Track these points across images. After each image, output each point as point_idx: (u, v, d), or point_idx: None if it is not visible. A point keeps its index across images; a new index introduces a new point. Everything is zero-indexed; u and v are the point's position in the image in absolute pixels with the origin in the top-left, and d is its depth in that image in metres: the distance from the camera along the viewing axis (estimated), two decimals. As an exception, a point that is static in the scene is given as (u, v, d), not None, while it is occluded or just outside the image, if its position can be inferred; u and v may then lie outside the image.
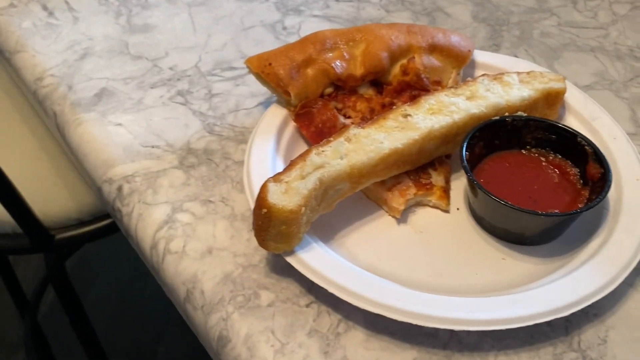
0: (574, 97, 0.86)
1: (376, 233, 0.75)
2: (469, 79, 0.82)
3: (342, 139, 0.72)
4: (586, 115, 0.84)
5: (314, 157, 0.68)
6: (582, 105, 0.85)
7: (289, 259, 0.67)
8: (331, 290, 0.63)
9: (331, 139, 0.72)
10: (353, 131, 0.73)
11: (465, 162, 0.72)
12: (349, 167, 0.69)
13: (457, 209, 0.78)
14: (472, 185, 0.71)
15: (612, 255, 0.66)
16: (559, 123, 0.76)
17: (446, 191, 0.77)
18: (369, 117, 0.84)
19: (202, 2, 1.18)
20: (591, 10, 1.13)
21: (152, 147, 0.87)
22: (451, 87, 0.80)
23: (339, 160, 0.69)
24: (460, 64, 0.89)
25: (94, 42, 1.08)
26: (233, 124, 0.91)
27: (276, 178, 0.66)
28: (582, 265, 0.66)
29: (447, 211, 0.77)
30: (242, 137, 0.88)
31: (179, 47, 1.07)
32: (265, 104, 0.92)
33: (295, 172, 0.66)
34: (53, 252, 1.56)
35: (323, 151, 0.70)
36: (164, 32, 1.11)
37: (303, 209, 0.63)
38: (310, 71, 0.84)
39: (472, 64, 0.93)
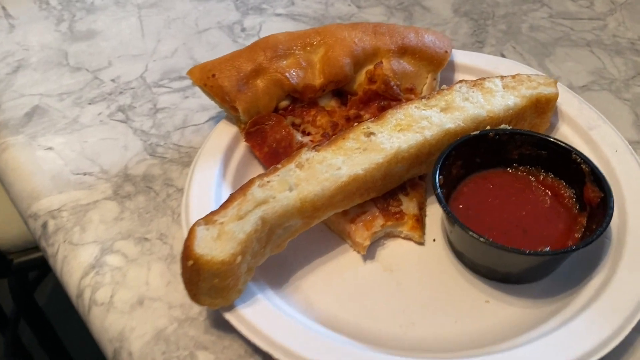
0: (568, 102, 0.75)
1: (339, 273, 0.63)
2: (444, 86, 0.70)
3: (292, 164, 0.61)
4: (582, 124, 0.72)
5: (256, 191, 0.57)
6: (578, 111, 0.74)
7: (228, 316, 0.55)
8: (277, 355, 0.52)
9: (279, 165, 0.61)
10: (306, 155, 0.61)
11: (438, 189, 0.60)
12: (299, 200, 0.57)
13: (434, 240, 0.66)
14: (448, 216, 0.59)
15: (616, 299, 0.55)
16: (550, 137, 0.65)
17: (419, 220, 0.66)
18: (332, 134, 0.72)
19: (153, 3, 1.06)
20: (586, -2, 1.02)
21: (84, 174, 0.76)
22: (423, 97, 0.68)
23: (287, 192, 0.58)
24: (436, 67, 0.77)
25: (30, 53, 0.96)
26: (179, 143, 0.80)
27: (208, 219, 0.54)
28: (580, 312, 0.55)
29: (421, 243, 0.66)
30: (188, 158, 0.77)
31: (124, 55, 0.95)
32: (217, 119, 0.80)
33: (231, 211, 0.55)
34: (14, 276, 1.46)
35: (268, 181, 0.58)
36: (109, 38, 0.99)
37: (239, 257, 0.52)
38: (260, 82, 0.72)
39: (451, 66, 0.81)
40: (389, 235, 0.67)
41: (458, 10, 1.00)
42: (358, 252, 0.65)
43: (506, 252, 0.56)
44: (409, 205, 0.66)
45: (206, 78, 0.72)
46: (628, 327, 0.53)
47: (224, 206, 0.56)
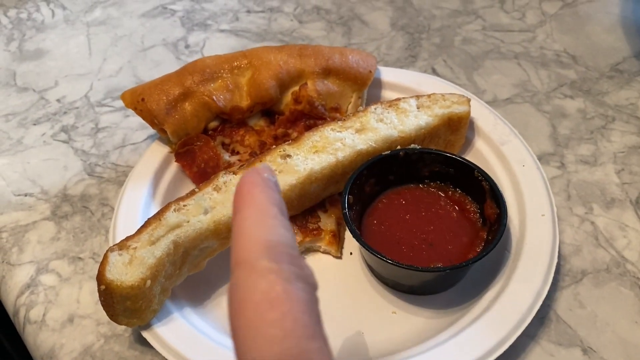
0: (484, 118, 0.79)
1: (258, 288, 0.67)
2: (360, 108, 0.74)
3: (209, 188, 0.64)
4: (495, 139, 0.76)
5: (170, 215, 0.60)
6: (492, 127, 0.77)
7: (145, 334, 0.59)
8: (187, 370, 0.56)
9: (196, 189, 0.64)
10: (223, 178, 0.65)
11: (345, 209, 0.64)
12: (213, 223, 0.61)
13: (350, 253, 0.70)
14: (353, 235, 0.63)
15: (506, 309, 0.59)
16: (455, 155, 0.69)
17: (336, 236, 0.70)
18: (259, 152, 0.76)
19: (102, 21, 1.09)
20: (519, 10, 1.05)
21: (25, 195, 0.79)
22: (339, 120, 0.72)
23: (201, 216, 0.61)
24: (360, 86, 0.80)
25: (-22, 74, 1.00)
26: (116, 162, 0.83)
27: (122, 244, 0.58)
28: (473, 322, 0.59)
29: (338, 257, 0.70)
30: (124, 177, 0.80)
31: (70, 74, 0.98)
32: (154, 137, 0.83)
33: (144, 236, 0.58)
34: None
35: (184, 205, 0.62)
36: (57, 57, 1.02)
37: (149, 282, 0.56)
38: (188, 105, 0.75)
39: (378, 84, 0.85)
40: (309, 250, 0.71)
41: (395, 24, 1.04)
42: (278, 267, 0.69)
43: (402, 268, 0.60)
44: (326, 222, 0.70)
45: (136, 102, 0.76)
46: (514, 335, 0.57)
47: (139, 231, 0.60)
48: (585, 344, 0.61)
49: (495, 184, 0.65)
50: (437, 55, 0.97)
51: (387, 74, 0.86)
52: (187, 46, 1.02)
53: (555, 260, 0.63)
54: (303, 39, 1.02)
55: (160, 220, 0.60)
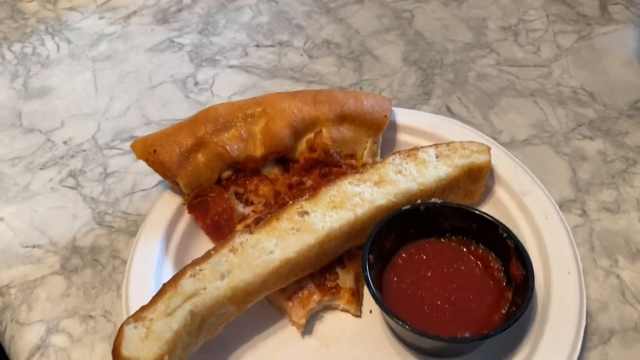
0: (504, 164, 0.77)
1: (277, 350, 0.65)
2: (377, 159, 0.72)
3: (225, 250, 0.62)
4: (516, 189, 0.74)
5: (187, 282, 0.58)
6: (513, 175, 0.76)
7: (163, 407, 0.57)
8: None
9: (212, 251, 0.62)
10: (239, 239, 0.63)
11: (367, 271, 0.62)
12: (230, 289, 0.59)
13: (370, 311, 0.68)
14: (376, 301, 0.61)
15: (536, 379, 0.57)
16: (478, 210, 0.67)
17: (354, 294, 0.67)
18: (274, 202, 0.74)
19: (108, 55, 1.08)
20: (533, 43, 1.03)
21: (33, 247, 0.77)
22: (356, 173, 0.70)
23: (218, 282, 0.59)
24: (375, 131, 0.79)
25: (-16, 113, 0.98)
26: (127, 211, 0.81)
27: (138, 316, 0.56)
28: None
29: (358, 316, 0.68)
30: (135, 227, 0.78)
31: (77, 114, 0.96)
32: (165, 183, 0.81)
33: (160, 306, 0.57)
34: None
35: (200, 270, 0.60)
36: (63, 95, 1.00)
37: (166, 357, 0.54)
38: (201, 156, 0.74)
39: (393, 126, 0.83)
40: (328, 308, 0.69)
41: (407, 58, 1.02)
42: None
43: (425, 337, 0.58)
44: (345, 278, 0.68)
45: (148, 153, 0.74)
46: (545, 409, 0.56)
47: (154, 300, 0.58)
48: (617, 411, 0.59)
49: (520, 243, 0.63)
50: (452, 93, 0.95)
51: (402, 116, 0.84)
52: (196, 83, 1.00)
53: (584, 323, 0.61)
54: (314, 75, 1.00)
55: (176, 287, 0.58)
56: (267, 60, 1.04)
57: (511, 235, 0.64)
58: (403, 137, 0.83)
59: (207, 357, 0.63)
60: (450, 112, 0.92)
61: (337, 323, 0.68)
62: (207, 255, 0.62)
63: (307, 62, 1.03)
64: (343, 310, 0.68)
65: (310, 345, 0.66)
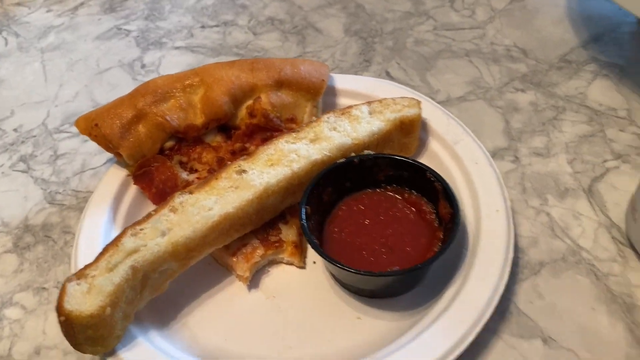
0: (437, 118, 0.80)
1: (224, 305, 0.68)
2: (313, 117, 0.75)
3: (166, 209, 0.65)
4: (448, 139, 0.77)
5: (127, 241, 0.61)
6: (445, 127, 0.79)
7: (110, 361, 0.60)
8: (153, 393, 0.56)
9: (153, 212, 0.65)
10: (179, 198, 0.66)
11: (303, 220, 0.65)
12: (171, 245, 0.61)
13: (314, 262, 0.71)
14: (312, 246, 0.64)
15: (465, 307, 0.60)
16: (407, 158, 0.70)
17: (298, 246, 0.70)
18: (217, 169, 0.76)
19: (56, 46, 1.09)
20: (469, 7, 1.07)
21: (-14, 229, 0.79)
22: (293, 132, 0.72)
23: (159, 239, 0.61)
24: (314, 96, 0.81)
25: None
26: (77, 188, 0.83)
27: (81, 274, 0.58)
28: (433, 322, 0.60)
29: (302, 267, 0.71)
30: (85, 204, 0.80)
31: (27, 102, 0.98)
32: (113, 160, 0.83)
33: (102, 264, 0.59)
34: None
35: (141, 230, 0.62)
36: (13, 86, 1.01)
37: (108, 309, 0.56)
38: (142, 127, 0.76)
39: (333, 92, 0.86)
40: (273, 262, 0.71)
41: (349, 30, 1.05)
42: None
43: (360, 275, 0.61)
44: (288, 233, 0.71)
45: (90, 128, 0.76)
46: (473, 332, 0.58)
47: (97, 259, 0.60)
48: (546, 334, 0.62)
49: (447, 184, 0.67)
50: (391, 59, 0.98)
51: (342, 81, 0.87)
52: (143, 66, 1.02)
53: (511, 254, 0.64)
54: (258, 51, 1.02)
55: (117, 246, 0.61)
56: (212, 39, 1.06)
57: (439, 178, 0.67)
58: (343, 101, 0.86)
59: (157, 313, 0.66)
60: (389, 77, 0.95)
61: (282, 275, 0.70)
62: (148, 216, 0.64)
63: (251, 39, 1.05)
64: (288, 263, 0.71)
65: (257, 298, 0.68)
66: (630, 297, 0.65)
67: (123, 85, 0.98)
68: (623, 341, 0.61)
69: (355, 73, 0.96)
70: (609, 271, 0.67)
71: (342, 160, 0.70)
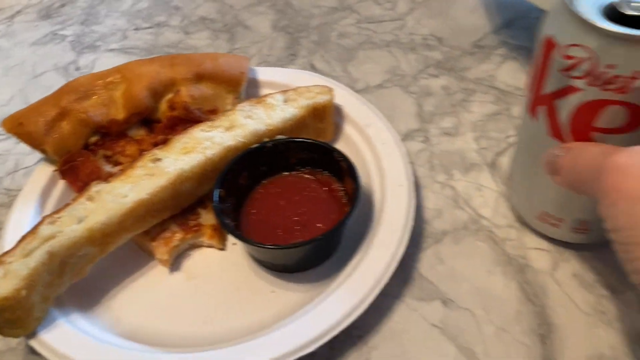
0: (350, 104, 0.85)
1: (146, 288, 0.71)
2: (228, 107, 0.79)
3: (83, 198, 0.68)
4: (360, 122, 0.82)
5: (44, 228, 0.64)
6: (357, 112, 0.83)
7: (32, 343, 0.62)
8: (75, 371, 0.60)
9: (71, 201, 0.68)
10: (96, 188, 0.69)
11: (215, 202, 0.69)
12: (87, 230, 0.65)
13: (233, 244, 0.75)
14: (222, 225, 0.68)
15: (366, 273, 0.65)
16: (316, 141, 0.74)
17: (217, 229, 0.74)
18: (141, 161, 0.80)
19: (-8, 52, 1.11)
20: (391, 0, 1.12)
21: None
22: (208, 121, 0.76)
23: (75, 225, 0.65)
24: (235, 87, 0.85)
25: None
26: (9, 187, 0.86)
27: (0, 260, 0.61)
28: (338, 287, 0.65)
29: (222, 249, 0.75)
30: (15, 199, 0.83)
31: (-39, 108, 1.00)
32: (46, 159, 0.86)
33: (18, 251, 0.62)
34: None
35: (58, 218, 0.66)
36: (-53, 93, 1.03)
37: (23, 291, 0.59)
38: (66, 124, 0.79)
39: (256, 84, 0.90)
40: (194, 246, 0.75)
41: (276, 25, 1.09)
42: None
43: (266, 249, 0.65)
44: (206, 217, 0.75)
45: (16, 126, 0.79)
46: (371, 295, 0.63)
47: (14, 246, 0.63)
48: (445, 296, 0.67)
49: (351, 163, 0.71)
50: (315, 52, 1.03)
51: (265, 74, 0.91)
52: (77, 68, 1.05)
53: (411, 223, 0.69)
54: (189, 49, 1.06)
55: (34, 233, 0.64)
56: (145, 40, 1.10)
57: (344, 157, 0.72)
58: (265, 92, 0.89)
59: (80, 297, 0.69)
60: (314, 69, 0.99)
61: (203, 258, 0.74)
62: (65, 205, 0.67)
63: (183, 38, 1.09)
64: (209, 246, 0.75)
65: (178, 280, 0.72)
66: (524, 259, 0.70)
67: (57, 87, 1.01)
68: (515, 299, 0.66)
69: (282, 66, 1.00)
70: (506, 236, 0.72)
71: (255, 145, 0.75)
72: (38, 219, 0.75)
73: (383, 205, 0.72)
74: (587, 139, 0.55)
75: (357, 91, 0.93)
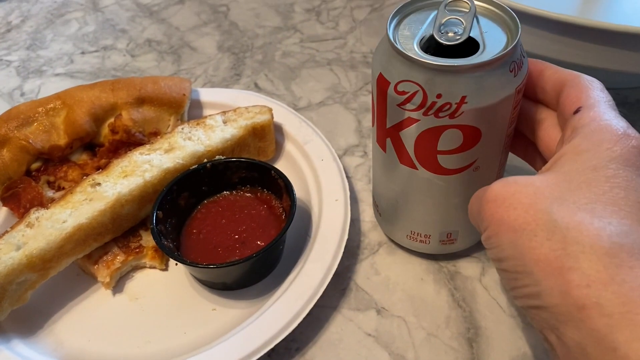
0: (290, 122, 0.87)
1: (90, 310, 0.72)
2: (167, 130, 0.81)
3: (22, 225, 0.69)
4: (300, 140, 0.85)
5: (-19, 257, 0.64)
6: (298, 130, 0.86)
7: (-30, 371, 0.63)
8: (9, 397, 0.60)
9: (10, 228, 0.69)
10: (35, 214, 0.70)
11: (153, 224, 0.70)
12: (26, 257, 0.65)
13: (175, 264, 0.77)
14: (160, 247, 0.69)
15: (302, 286, 0.67)
16: (254, 160, 0.77)
17: (158, 250, 0.75)
18: (84, 185, 0.81)
19: None
20: (333, 20, 1.16)
21: None
22: (147, 144, 0.78)
23: (13, 252, 0.66)
24: (177, 109, 0.87)
25: None
26: (-50, 216, 0.86)
27: None
28: (275, 302, 0.67)
29: (164, 269, 0.76)
30: (-41, 229, 0.83)
31: None
32: (-11, 187, 0.87)
33: (-45, 280, 0.62)
34: None
35: (-4, 246, 0.66)
36: None
37: (-41, 320, 0.60)
38: (6, 152, 0.80)
39: (199, 105, 0.92)
40: (137, 268, 0.76)
41: (222, 46, 1.12)
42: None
43: (205, 268, 0.67)
44: (148, 239, 0.76)
45: (-46, 156, 0.79)
46: (307, 308, 0.65)
47: (-49, 276, 0.63)
48: (379, 305, 0.70)
49: (287, 180, 0.74)
50: (260, 71, 1.05)
51: (207, 95, 0.94)
52: (22, 94, 1.06)
53: (346, 236, 0.72)
54: (135, 71, 1.08)
55: (-29, 263, 0.64)
56: (91, 64, 1.11)
57: (281, 176, 0.74)
58: (208, 113, 0.92)
59: (22, 323, 0.69)
60: (257, 88, 1.02)
61: (145, 279, 0.75)
62: (4, 233, 0.68)
63: (129, 61, 1.11)
64: (151, 267, 0.76)
65: (121, 301, 0.73)
66: (454, 267, 0.73)
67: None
68: (445, 305, 0.70)
69: (227, 86, 1.03)
70: (438, 245, 0.76)
71: (195, 166, 0.77)
72: (-21, 247, 0.76)
73: (320, 219, 0.74)
74: (434, 161, 0.59)
75: (300, 109, 0.96)
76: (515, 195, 0.44)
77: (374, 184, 0.74)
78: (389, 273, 0.73)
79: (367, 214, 0.80)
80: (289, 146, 0.86)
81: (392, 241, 0.76)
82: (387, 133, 0.61)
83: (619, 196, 0.41)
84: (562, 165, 0.45)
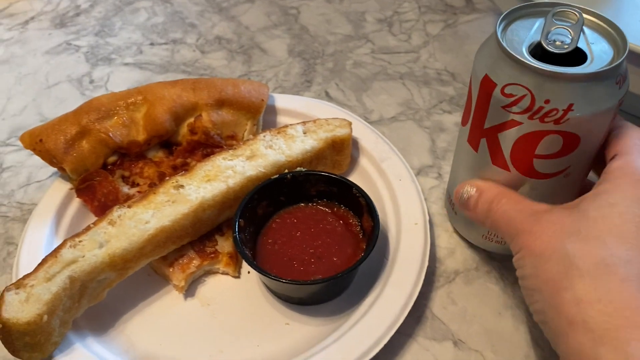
0: (367, 137, 0.86)
1: (161, 313, 0.72)
2: (250, 136, 0.80)
3: (104, 222, 0.68)
4: (376, 157, 0.84)
5: (66, 252, 0.64)
6: (374, 145, 0.85)
7: (47, 366, 0.63)
8: (88, 397, 0.60)
9: (92, 224, 0.68)
10: (117, 212, 0.69)
11: (236, 232, 0.70)
12: (108, 256, 0.65)
13: (248, 272, 0.76)
14: (242, 256, 0.69)
15: (382, 312, 0.66)
16: (336, 175, 0.75)
17: (233, 257, 0.75)
18: (158, 183, 0.80)
19: (5, 60, 1.11)
20: (405, 32, 1.14)
21: None
22: (230, 149, 0.77)
23: (97, 250, 0.65)
24: (254, 114, 0.86)
25: None
26: (21, 201, 0.85)
27: (20, 283, 0.61)
28: (354, 325, 0.66)
29: (237, 277, 0.75)
30: (30, 215, 0.83)
31: (-27, 115, 0.99)
32: (59, 174, 0.86)
33: (40, 274, 0.62)
34: None
35: (80, 241, 0.66)
36: (-41, 99, 1.03)
37: (45, 316, 0.59)
38: (85, 143, 0.79)
39: (273, 111, 0.91)
40: (209, 273, 0.76)
41: (292, 50, 1.11)
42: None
43: (286, 283, 0.66)
44: (223, 244, 0.76)
45: (35, 143, 0.79)
46: (388, 335, 0.64)
47: (36, 269, 0.63)
48: (456, 337, 0.69)
49: (370, 200, 0.72)
50: (330, 80, 1.04)
51: (282, 101, 0.93)
52: (91, 81, 1.05)
53: (426, 264, 0.71)
54: (205, 68, 1.07)
55: (56, 257, 0.64)
56: (161, 56, 1.10)
57: (363, 194, 0.73)
58: (282, 119, 0.91)
59: (96, 321, 0.69)
60: (328, 97, 1.01)
61: (217, 285, 0.75)
62: (87, 229, 0.68)
63: (199, 57, 1.10)
64: (223, 273, 0.75)
65: (193, 306, 0.73)
66: (533, 303, 0.72)
67: (71, 100, 1.01)
68: (524, 342, 0.68)
69: (297, 93, 1.02)
70: (515, 279, 0.74)
71: (275, 176, 0.76)
72: (53, 238, 0.76)
73: (399, 243, 0.73)
74: (529, 165, 0.60)
75: (372, 122, 0.95)
76: (544, 231, 0.52)
77: (453, 181, 0.74)
78: (466, 304, 0.72)
79: (443, 239, 0.78)
80: (363, 161, 0.85)
81: (471, 270, 0.75)
82: (484, 133, 0.61)
83: (630, 230, 0.48)
84: (587, 204, 0.52)
